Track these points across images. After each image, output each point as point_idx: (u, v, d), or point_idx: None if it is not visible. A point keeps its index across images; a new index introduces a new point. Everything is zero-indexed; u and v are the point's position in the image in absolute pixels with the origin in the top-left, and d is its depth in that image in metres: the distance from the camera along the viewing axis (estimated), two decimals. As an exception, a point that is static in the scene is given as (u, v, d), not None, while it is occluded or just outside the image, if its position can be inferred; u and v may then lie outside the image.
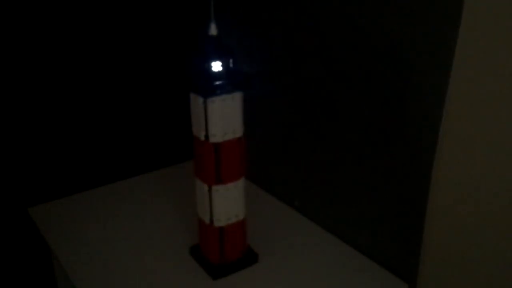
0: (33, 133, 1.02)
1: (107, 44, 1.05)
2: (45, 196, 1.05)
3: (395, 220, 0.77)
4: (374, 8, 0.70)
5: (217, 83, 0.68)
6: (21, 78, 0.97)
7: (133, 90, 1.12)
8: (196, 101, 0.70)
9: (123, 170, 1.15)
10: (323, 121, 0.85)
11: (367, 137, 0.77)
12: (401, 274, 0.79)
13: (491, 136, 0.60)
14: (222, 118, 0.69)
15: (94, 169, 1.12)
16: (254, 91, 0.72)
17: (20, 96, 0.98)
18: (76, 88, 1.04)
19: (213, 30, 0.68)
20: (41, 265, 1.09)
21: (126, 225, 0.93)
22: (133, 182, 1.09)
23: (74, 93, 1.04)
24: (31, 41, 0.96)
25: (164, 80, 1.15)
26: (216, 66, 0.67)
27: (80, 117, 1.06)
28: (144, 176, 1.12)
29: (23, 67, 0.96)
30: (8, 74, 0.95)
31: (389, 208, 0.77)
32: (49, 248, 0.91)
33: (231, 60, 0.68)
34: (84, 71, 1.04)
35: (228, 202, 0.75)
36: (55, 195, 1.06)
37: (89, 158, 1.10)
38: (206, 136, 0.70)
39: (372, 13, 0.70)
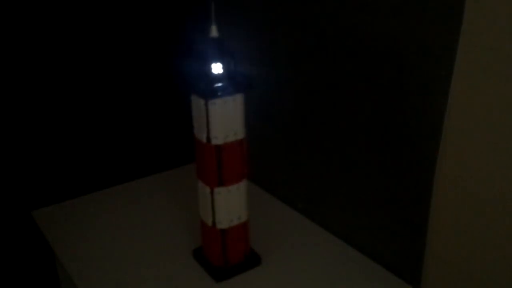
0: (36, 136, 1.02)
1: (109, 47, 1.05)
2: (49, 199, 1.05)
3: (399, 222, 0.76)
4: (376, 8, 0.70)
5: (218, 85, 0.68)
6: (25, 81, 0.97)
7: (135, 93, 1.12)
8: (197, 103, 0.70)
9: (126, 173, 1.15)
10: (326, 123, 0.85)
11: (370, 138, 0.77)
12: (405, 276, 0.78)
13: (494, 136, 0.60)
14: (224, 120, 0.69)
15: (97, 172, 1.12)
16: (255, 93, 0.72)
17: (23, 100, 0.98)
18: (78, 91, 1.04)
19: (214, 32, 0.68)
20: (45, 268, 1.10)
21: (129, 228, 0.93)
22: (136, 185, 1.09)
23: (76, 96, 1.04)
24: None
25: (165, 82, 1.15)
26: (217, 68, 0.67)
27: (83, 120, 1.07)
28: (146, 178, 1.12)
29: (27, 71, 0.97)
30: (11, 78, 0.96)
31: (392, 209, 0.77)
32: (53, 251, 0.91)
33: (232, 62, 0.68)
34: (85, 74, 1.04)
35: (230, 204, 0.75)
36: (58, 198, 1.06)
37: (92, 161, 1.11)
38: (208, 138, 0.70)
39: (374, 13, 0.70)
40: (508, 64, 0.56)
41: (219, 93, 0.68)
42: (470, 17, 0.58)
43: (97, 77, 1.06)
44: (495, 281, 0.65)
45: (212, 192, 0.74)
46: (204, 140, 0.71)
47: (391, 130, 0.73)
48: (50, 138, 1.04)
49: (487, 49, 0.57)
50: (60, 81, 1.01)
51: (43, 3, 0.95)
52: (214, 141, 0.70)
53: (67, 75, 1.02)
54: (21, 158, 1.01)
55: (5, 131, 0.98)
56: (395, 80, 0.70)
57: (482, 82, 0.59)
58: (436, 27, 0.62)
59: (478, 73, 0.59)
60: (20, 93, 0.98)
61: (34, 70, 0.98)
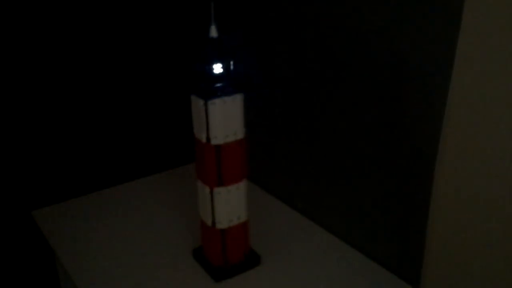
0: (36, 137, 1.02)
1: (108, 47, 1.05)
2: (49, 199, 1.06)
3: (398, 222, 0.76)
4: (375, 8, 0.70)
5: (218, 85, 0.68)
6: (25, 81, 0.97)
7: (135, 93, 1.12)
8: (197, 103, 0.70)
9: (126, 173, 1.15)
10: (325, 122, 0.85)
11: (369, 138, 0.77)
12: (405, 275, 0.78)
13: (493, 136, 0.60)
14: (223, 120, 0.69)
15: (97, 172, 1.12)
16: (255, 93, 0.72)
17: (24, 100, 0.98)
18: (78, 91, 1.04)
19: (213, 32, 0.68)
20: (45, 268, 1.10)
21: (128, 228, 0.93)
22: (136, 185, 1.09)
23: (76, 96, 1.04)
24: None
25: (165, 82, 1.15)
26: (217, 68, 0.67)
27: (83, 121, 1.07)
28: (146, 178, 1.12)
29: (27, 71, 0.97)
30: (11, 78, 0.96)
31: (392, 209, 0.77)
32: (53, 250, 0.91)
33: (231, 62, 0.68)
34: (86, 75, 1.04)
35: (230, 204, 0.75)
36: (58, 198, 1.06)
37: (92, 161, 1.11)
38: (208, 138, 0.70)
39: (373, 13, 0.70)
40: (508, 63, 0.56)
41: (218, 93, 0.68)
42: (469, 16, 0.58)
43: (97, 77, 1.06)
44: (495, 280, 0.65)
45: (211, 192, 0.74)
46: (204, 140, 0.71)
47: (390, 130, 0.73)
48: (50, 138, 1.04)
49: (487, 48, 0.57)
50: (60, 81, 1.01)
51: (45, 3, 0.95)
52: (214, 141, 0.70)
53: (67, 75, 1.02)
54: (21, 158, 1.01)
55: (5, 131, 0.98)
56: (394, 80, 0.70)
57: (481, 82, 0.59)
58: (435, 26, 0.62)
59: (477, 73, 0.59)
60: (20, 93, 0.98)
61: (34, 70, 0.98)
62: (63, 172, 1.07)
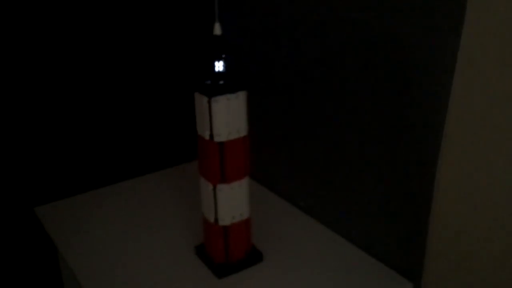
0: (39, 133, 1.02)
1: (111, 45, 1.05)
2: (51, 195, 1.06)
3: (400, 219, 0.76)
4: (379, 7, 0.70)
5: (221, 82, 0.68)
6: (26, 78, 0.97)
7: (138, 90, 1.12)
8: (200, 100, 0.70)
9: (128, 170, 1.15)
10: (328, 120, 0.85)
11: (371, 136, 0.77)
12: (406, 273, 0.78)
13: (494, 136, 0.60)
14: (227, 117, 0.70)
15: (100, 169, 1.12)
16: (258, 90, 0.72)
17: (26, 98, 0.99)
18: (81, 88, 1.05)
19: (217, 30, 0.68)
20: (48, 264, 1.10)
21: (131, 225, 0.93)
22: (139, 182, 1.09)
23: (79, 94, 1.05)
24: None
25: (168, 79, 1.15)
26: (220, 65, 0.68)
27: (86, 118, 1.07)
28: (149, 176, 1.12)
29: (27, 69, 0.97)
30: (12, 75, 0.96)
31: (394, 207, 0.77)
32: (55, 247, 0.92)
33: (235, 60, 0.69)
34: (88, 72, 1.04)
35: (232, 201, 0.75)
36: (61, 194, 1.06)
37: (94, 158, 1.11)
38: (211, 136, 0.71)
39: (376, 12, 0.70)
40: (509, 63, 0.56)
41: (222, 91, 0.68)
42: (472, 16, 0.58)
43: (100, 75, 1.06)
44: (495, 278, 0.65)
45: (214, 189, 0.74)
46: (207, 137, 0.71)
47: (392, 129, 0.73)
48: (53, 134, 1.04)
49: (489, 48, 0.58)
50: (63, 78, 1.02)
51: (47, 1, 0.95)
52: (217, 138, 0.71)
53: (69, 72, 1.02)
54: (24, 154, 1.02)
55: (7, 128, 0.98)
56: (397, 80, 0.70)
57: (484, 82, 0.59)
58: (438, 26, 0.62)
59: (480, 73, 0.60)
60: (22, 90, 0.98)
61: (35, 68, 0.98)
62: (65, 169, 1.08)
